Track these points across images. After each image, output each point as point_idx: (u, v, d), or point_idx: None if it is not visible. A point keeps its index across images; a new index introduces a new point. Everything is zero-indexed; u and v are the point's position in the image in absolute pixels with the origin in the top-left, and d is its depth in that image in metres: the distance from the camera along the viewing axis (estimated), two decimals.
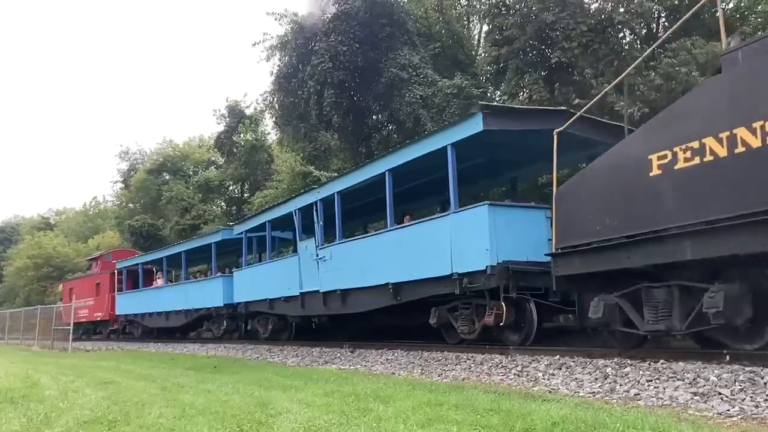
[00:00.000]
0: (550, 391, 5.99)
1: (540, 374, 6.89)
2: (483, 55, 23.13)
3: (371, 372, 8.75)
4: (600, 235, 6.89)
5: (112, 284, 25.53)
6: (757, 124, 5.36)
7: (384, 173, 10.85)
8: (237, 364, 11.56)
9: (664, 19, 18.70)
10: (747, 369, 5.52)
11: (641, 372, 6.11)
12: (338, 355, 11.34)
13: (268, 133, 34.12)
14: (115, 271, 25.44)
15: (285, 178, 24.75)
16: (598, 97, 9.44)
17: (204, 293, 18.46)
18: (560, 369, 6.94)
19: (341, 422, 4.66)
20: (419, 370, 8.42)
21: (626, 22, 16.15)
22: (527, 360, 7.68)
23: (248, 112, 33.39)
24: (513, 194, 12.56)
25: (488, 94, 20.46)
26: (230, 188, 38.57)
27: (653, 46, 9.82)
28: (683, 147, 5.95)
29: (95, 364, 13.18)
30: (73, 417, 5.51)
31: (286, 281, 13.94)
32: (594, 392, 5.78)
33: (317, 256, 12.69)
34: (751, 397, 4.83)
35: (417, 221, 10.72)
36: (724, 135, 5.60)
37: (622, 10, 16.42)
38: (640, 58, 9.62)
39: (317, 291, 12.70)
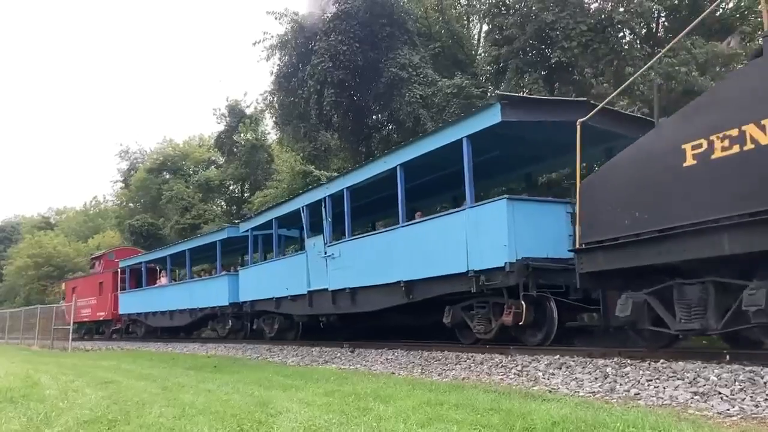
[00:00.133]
0: (550, 391, 5.99)
1: (540, 374, 6.89)
2: (483, 54, 23.13)
3: (371, 371, 8.75)
4: (628, 230, 6.56)
5: (115, 283, 25.31)
6: None
7: (395, 168, 10.58)
8: (237, 363, 11.57)
9: (663, 19, 18.70)
10: (747, 369, 5.52)
11: (641, 371, 6.11)
12: (338, 354, 11.33)
13: (268, 133, 34.16)
14: (118, 270, 25.23)
15: (285, 177, 24.76)
16: (624, 86, 9.13)
17: (209, 292, 18.20)
18: (560, 369, 6.94)
19: (341, 422, 4.66)
20: (419, 370, 8.43)
21: (626, 22, 16.14)
22: (527, 360, 7.67)
23: (248, 111, 33.42)
24: (528, 190, 12.22)
25: (488, 94, 20.44)
26: (230, 188, 38.58)
27: (678, 38, 9.28)
28: (720, 135, 5.62)
29: (95, 363, 13.18)
30: (73, 416, 5.51)
31: (294, 279, 13.69)
32: (594, 392, 5.78)
33: (326, 253, 12.42)
34: (751, 396, 4.84)
35: (431, 217, 10.40)
36: (766, 122, 5.30)
37: (621, 9, 16.42)
38: (663, 51, 9.11)
39: (326, 289, 12.46)
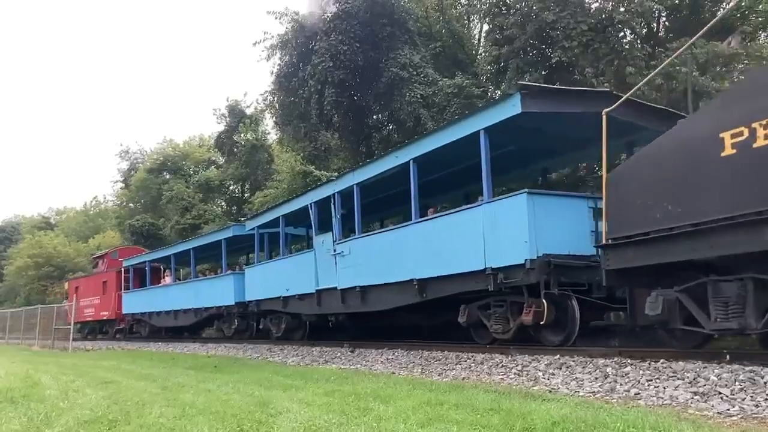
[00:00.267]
0: (550, 391, 5.99)
1: (540, 374, 6.89)
2: (483, 54, 23.10)
3: (371, 371, 8.75)
4: (660, 224, 6.21)
5: (119, 282, 25.11)
6: None
7: (408, 162, 10.29)
8: (237, 363, 11.57)
9: (664, 19, 18.69)
10: (747, 368, 5.52)
11: (641, 371, 6.11)
12: (338, 354, 11.32)
13: (268, 133, 34.14)
14: (122, 269, 25.00)
15: (285, 177, 24.73)
16: (650, 76, 8.95)
17: (214, 291, 17.95)
18: (560, 368, 6.94)
19: (341, 422, 4.66)
20: (419, 370, 8.42)
21: (626, 22, 16.13)
22: (527, 359, 7.67)
23: (248, 111, 33.38)
24: (543, 186, 11.97)
25: (489, 94, 20.45)
26: (230, 188, 38.55)
27: (697, 36, 8.95)
28: (764, 122, 5.30)
29: (96, 363, 13.18)
30: (74, 416, 5.51)
31: (301, 278, 13.43)
32: (594, 392, 5.78)
33: (335, 251, 12.15)
34: (751, 396, 4.84)
35: (446, 212, 10.06)
36: None
37: (622, 9, 16.40)
38: (693, 40, 8.61)
39: (335, 288, 12.19)
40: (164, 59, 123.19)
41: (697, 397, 5.06)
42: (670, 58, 9.35)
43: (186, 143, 44.85)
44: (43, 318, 24.72)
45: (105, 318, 26.69)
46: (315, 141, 24.33)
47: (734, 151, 5.56)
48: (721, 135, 5.65)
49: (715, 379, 5.40)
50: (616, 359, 6.84)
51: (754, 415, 4.40)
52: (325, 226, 13.05)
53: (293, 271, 13.95)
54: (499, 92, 19.51)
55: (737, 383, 5.17)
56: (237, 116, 32.80)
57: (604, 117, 7.28)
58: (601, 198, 8.02)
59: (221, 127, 33.53)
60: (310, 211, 13.31)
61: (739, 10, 17.28)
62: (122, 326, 25.61)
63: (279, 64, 24.19)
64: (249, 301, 16.18)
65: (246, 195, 35.52)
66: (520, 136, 9.60)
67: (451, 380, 7.30)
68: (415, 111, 20.06)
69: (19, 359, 15.54)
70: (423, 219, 10.25)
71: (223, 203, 38.73)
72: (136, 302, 23.69)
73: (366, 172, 11.62)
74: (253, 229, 16.27)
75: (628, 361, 6.66)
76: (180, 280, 22.53)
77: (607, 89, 9.78)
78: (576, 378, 6.41)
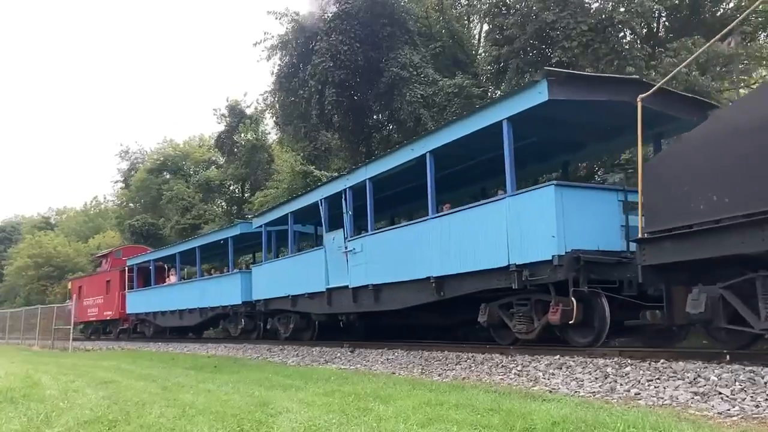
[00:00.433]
0: (550, 391, 5.99)
1: (540, 374, 6.88)
2: (483, 54, 23.10)
3: (371, 371, 8.75)
4: (704, 216, 5.79)
5: (123, 282, 24.80)
6: None
7: (424, 155, 9.92)
8: (237, 363, 11.56)
9: (664, 19, 18.68)
10: (747, 369, 5.52)
11: (641, 372, 6.11)
12: (338, 354, 11.32)
13: (268, 133, 34.12)
14: (126, 268, 24.71)
15: (285, 177, 24.72)
16: (687, 62, 8.78)
17: (221, 290, 17.65)
18: (560, 369, 6.93)
19: (341, 422, 4.66)
20: (419, 370, 8.42)
21: (627, 22, 16.12)
22: (527, 360, 7.67)
23: (248, 111, 33.37)
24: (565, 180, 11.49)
25: (489, 94, 20.44)
26: (231, 188, 38.53)
27: (719, 36, 8.65)
28: None
29: (95, 363, 13.18)
30: (74, 416, 5.51)
31: (311, 276, 13.11)
32: (594, 392, 5.78)
33: (346, 248, 11.83)
34: (752, 396, 4.83)
35: (466, 206, 9.59)
36: None
37: (622, 9, 16.39)
38: (721, 34, 8.56)
39: (346, 286, 11.89)
40: (164, 59, 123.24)
41: (697, 397, 5.05)
42: (713, 39, 8.65)
43: (186, 143, 44.85)
44: (43, 318, 24.66)
45: (108, 318, 26.37)
46: (315, 141, 24.32)
47: None
48: None
49: (715, 379, 5.40)
50: (616, 359, 6.84)
51: (754, 415, 4.40)
52: (334, 223, 12.75)
53: (302, 269, 13.64)
54: (499, 92, 19.51)
55: (737, 383, 5.17)
56: (237, 116, 32.77)
57: (639, 104, 6.91)
58: (631, 191, 7.79)
59: (221, 127, 33.51)
60: (321, 208, 12.98)
61: (739, 10, 17.28)
62: (126, 326, 25.31)
63: (279, 65, 24.20)
64: (256, 301, 15.85)
65: (246, 195, 35.49)
66: (542, 127, 9.21)
67: (451, 380, 7.29)
68: (415, 111, 20.05)
69: (19, 359, 15.53)
70: (441, 214, 9.84)
71: (223, 203, 38.70)
72: (141, 302, 23.40)
73: (379, 166, 11.24)
74: (261, 226, 15.97)
75: (628, 361, 6.66)
76: (185, 279, 22.27)
77: (637, 76, 9.38)
78: (576, 378, 6.41)
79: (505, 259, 8.27)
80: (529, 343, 8.55)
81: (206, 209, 35.35)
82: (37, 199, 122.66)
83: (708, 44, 9.83)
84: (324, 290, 12.67)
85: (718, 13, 17.78)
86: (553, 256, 7.53)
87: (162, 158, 41.98)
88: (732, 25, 7.64)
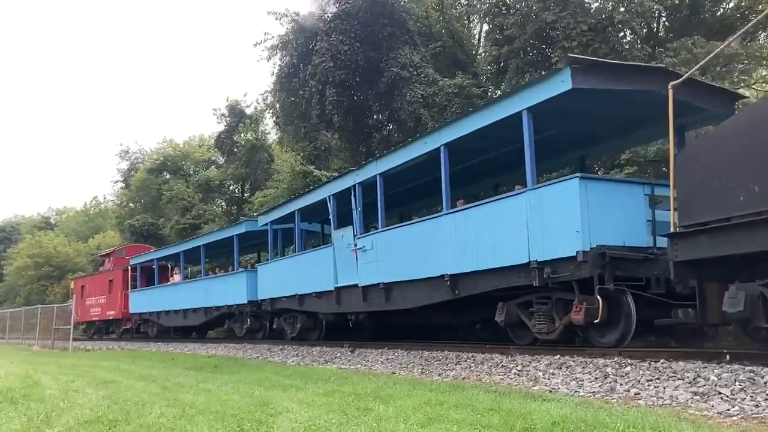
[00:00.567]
0: (550, 391, 5.99)
1: (540, 374, 6.88)
2: (483, 54, 23.12)
3: (371, 371, 8.75)
4: (744, 208, 5.48)
5: (126, 281, 24.54)
6: None
7: (438, 149, 9.58)
8: (237, 363, 11.56)
9: (664, 19, 18.68)
10: (747, 368, 5.52)
11: (641, 371, 6.11)
12: (338, 354, 11.31)
13: (268, 133, 34.13)
14: (129, 268, 24.48)
15: (285, 177, 24.73)
16: (715, 52, 8.61)
17: (226, 290, 17.38)
18: (560, 368, 6.93)
19: (341, 422, 4.66)
20: (419, 370, 8.42)
21: (626, 22, 16.13)
22: (527, 359, 7.67)
23: (248, 111, 33.39)
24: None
25: (488, 94, 20.45)
26: (230, 188, 38.55)
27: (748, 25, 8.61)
28: None
29: (95, 363, 13.17)
30: (74, 416, 5.51)
31: (319, 275, 12.83)
32: (594, 392, 5.78)
33: (356, 246, 11.52)
34: (751, 396, 4.83)
35: (483, 201, 9.27)
36: None
37: (622, 9, 16.41)
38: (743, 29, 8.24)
39: (355, 285, 11.59)
40: (164, 59, 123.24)
41: (697, 397, 5.05)
42: (726, 43, 8.67)
43: (186, 143, 44.86)
44: (43, 318, 24.59)
45: (111, 318, 26.17)
46: (315, 141, 24.34)
47: None
48: None
49: (715, 379, 5.40)
50: (616, 359, 6.83)
51: (754, 415, 4.40)
52: (343, 221, 12.49)
53: (310, 267, 13.36)
54: (499, 92, 19.52)
55: (737, 383, 5.17)
56: (237, 116, 32.78)
57: (670, 91, 6.62)
58: (658, 185, 7.65)
59: (221, 127, 33.53)
60: (329, 204, 12.68)
61: (739, 9, 17.29)
62: (129, 326, 25.08)
63: (279, 65, 24.21)
64: (262, 300, 15.59)
65: (246, 195, 35.51)
66: (561, 120, 8.92)
67: (451, 380, 7.29)
68: (415, 111, 20.06)
69: (19, 359, 15.53)
70: (457, 209, 9.50)
71: (223, 203, 38.71)
72: (144, 301, 23.16)
73: (391, 161, 10.89)
74: (266, 224, 15.73)
75: (628, 361, 6.65)
76: (188, 278, 22.03)
77: (663, 65, 9.02)
78: (576, 378, 6.41)
79: (525, 256, 7.96)
80: (550, 343, 8.27)
81: (206, 209, 35.37)
82: (37, 199, 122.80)
83: (735, 36, 9.48)
84: (332, 289, 12.40)
85: (718, 13, 17.78)
86: (577, 252, 7.22)
87: (162, 158, 41.99)
88: (759, 17, 7.35)
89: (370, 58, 21.11)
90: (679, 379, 5.63)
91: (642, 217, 7.58)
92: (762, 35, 17.57)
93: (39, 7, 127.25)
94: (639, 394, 5.44)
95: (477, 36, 25.45)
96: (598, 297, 7.16)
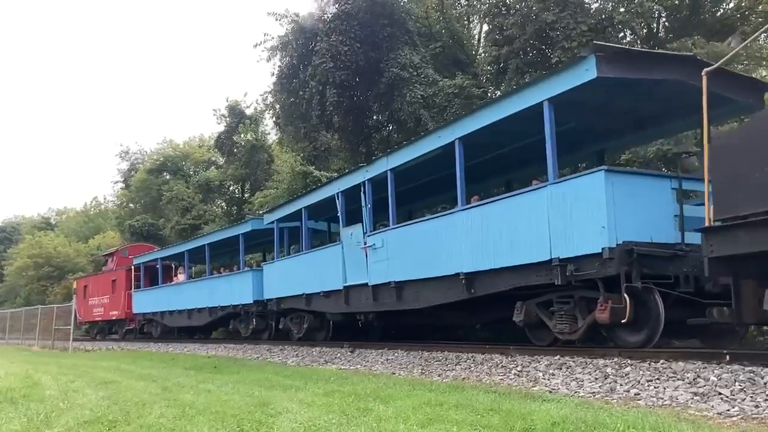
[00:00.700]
0: (550, 391, 5.99)
1: (540, 374, 6.88)
2: (483, 54, 23.12)
3: (371, 372, 8.75)
4: None
5: (129, 281, 24.34)
6: None
7: (453, 143, 9.29)
8: (237, 364, 11.56)
9: (664, 19, 18.70)
10: (747, 369, 5.52)
11: (641, 372, 6.11)
12: (338, 355, 11.31)
13: (268, 134, 34.14)
14: (132, 267, 24.24)
15: (285, 178, 24.72)
16: (746, 43, 8.48)
17: (231, 289, 17.12)
18: (560, 369, 6.93)
19: (341, 422, 4.66)
20: (419, 370, 8.41)
21: (626, 22, 16.15)
22: (527, 360, 7.67)
23: (248, 112, 33.39)
24: None
25: (488, 94, 20.45)
26: (230, 188, 38.56)
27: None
28: None
29: (95, 364, 13.17)
30: (74, 417, 5.51)
31: (327, 274, 12.58)
32: (594, 392, 5.78)
33: (365, 243, 11.25)
34: (751, 397, 4.83)
35: (501, 196, 8.99)
36: None
37: (622, 9, 16.43)
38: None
39: (365, 284, 11.32)
40: (164, 60, 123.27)
41: (697, 397, 5.05)
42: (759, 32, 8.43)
43: (186, 143, 44.87)
44: (43, 318, 24.57)
45: (114, 318, 25.96)
46: (315, 141, 24.33)
47: None
48: None
49: (715, 379, 5.40)
50: (616, 359, 6.83)
51: (754, 416, 4.40)
52: (351, 218, 12.23)
53: (318, 266, 13.10)
54: (498, 93, 19.53)
55: (737, 383, 5.17)
56: (237, 116, 32.79)
57: (704, 78, 6.36)
58: (686, 178, 7.46)
59: (221, 128, 33.55)
60: (337, 202, 12.41)
61: (739, 10, 17.30)
62: (132, 326, 24.83)
63: (279, 66, 24.19)
64: (268, 300, 15.33)
65: (246, 195, 35.52)
66: (581, 112, 8.66)
67: (451, 381, 7.29)
68: (415, 111, 20.05)
69: (19, 359, 15.53)
70: (473, 205, 9.21)
71: (223, 204, 38.72)
72: (147, 301, 22.94)
73: (402, 156, 10.62)
74: (272, 222, 15.48)
75: (628, 361, 6.65)
76: (193, 278, 21.84)
77: (692, 54, 8.75)
78: (576, 378, 6.41)
79: (546, 253, 7.66)
80: (572, 344, 7.99)
81: (206, 210, 35.37)
82: (37, 199, 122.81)
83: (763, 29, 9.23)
84: (341, 288, 12.14)
85: (718, 13, 17.80)
86: (602, 248, 6.95)
87: (162, 159, 41.99)
88: None
89: (370, 58, 21.10)
90: (679, 379, 5.63)
91: (669, 212, 7.32)
92: (762, 35, 17.58)
93: (39, 7, 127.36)
94: (639, 394, 5.44)
95: (477, 36, 25.45)
96: (626, 296, 6.91)
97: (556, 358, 7.49)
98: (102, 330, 28.27)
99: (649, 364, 6.35)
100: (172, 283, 22.13)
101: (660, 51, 8.65)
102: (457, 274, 9.16)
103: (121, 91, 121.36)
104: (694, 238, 7.02)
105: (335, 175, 15.23)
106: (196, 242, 20.52)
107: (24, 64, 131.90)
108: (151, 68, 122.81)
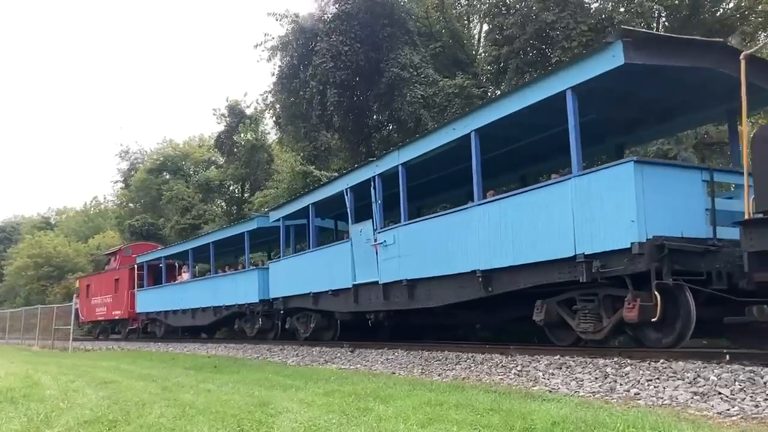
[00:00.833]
0: (550, 391, 5.99)
1: (540, 374, 6.88)
2: (483, 54, 23.13)
3: (371, 371, 8.74)
4: None
5: (132, 280, 24.08)
6: None
7: (468, 135, 8.95)
8: (237, 363, 11.55)
9: (664, 19, 18.69)
10: (747, 369, 5.52)
11: (641, 371, 6.11)
12: (338, 354, 11.30)
13: (268, 133, 34.15)
14: (135, 266, 23.90)
15: (285, 178, 24.73)
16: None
17: (236, 288, 16.87)
18: (560, 369, 6.93)
19: (341, 422, 4.66)
20: (419, 370, 8.41)
21: (626, 22, 16.12)
22: (527, 360, 7.67)
23: (248, 111, 33.40)
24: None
25: (488, 94, 20.46)
26: (230, 188, 38.57)
27: None
28: None
29: (95, 363, 13.17)
30: (74, 417, 5.51)
31: (335, 272, 12.28)
32: (594, 392, 5.78)
33: (376, 240, 10.95)
34: (751, 396, 4.83)
35: (520, 190, 8.64)
36: None
37: (622, 9, 16.44)
38: None
39: (375, 282, 11.00)
40: (164, 60, 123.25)
41: (697, 397, 5.05)
42: None
43: (186, 143, 44.89)
44: (43, 318, 24.53)
45: (117, 317, 25.74)
46: (315, 141, 24.35)
47: None
48: None
49: (715, 379, 5.40)
50: (616, 359, 6.83)
51: (754, 415, 4.40)
52: (359, 215, 11.95)
53: (326, 264, 12.78)
54: (498, 92, 19.53)
55: (737, 383, 5.17)
56: (237, 116, 32.80)
57: (742, 62, 6.03)
58: (718, 170, 7.24)
59: (221, 127, 33.55)
60: (346, 198, 12.06)
61: (739, 10, 17.30)
62: (135, 326, 24.57)
63: (280, 66, 24.22)
64: (274, 299, 14.99)
65: (246, 195, 35.53)
66: (604, 102, 8.37)
67: (451, 380, 7.29)
68: (415, 111, 20.06)
69: (19, 359, 15.52)
70: (489, 200, 8.88)
71: (223, 203, 38.73)
72: (151, 301, 22.73)
73: (414, 149, 10.24)
74: (278, 220, 15.17)
75: (628, 361, 6.65)
76: (197, 276, 21.65)
77: (721, 40, 8.45)
78: (576, 378, 6.41)
79: (570, 249, 7.31)
80: (597, 344, 7.68)
81: (206, 209, 35.38)
82: (37, 199, 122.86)
83: None
84: (350, 287, 11.80)
85: (718, 13, 17.79)
86: (632, 243, 6.61)
87: (162, 158, 42.01)
88: None
89: (370, 58, 21.11)
90: (679, 379, 5.63)
91: (700, 206, 7.02)
92: (762, 35, 17.59)
93: (39, 7, 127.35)
94: (639, 394, 5.44)
95: (477, 36, 25.46)
96: (656, 293, 6.57)
97: (555, 357, 7.49)
98: (105, 330, 28.09)
99: (649, 363, 6.35)
100: (176, 282, 21.92)
101: (689, 37, 8.10)
102: (474, 272, 8.83)
103: (121, 91, 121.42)
104: (725, 233, 6.85)
105: (335, 174, 15.07)
106: (200, 240, 20.27)
107: (24, 64, 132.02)
108: (151, 68, 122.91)
